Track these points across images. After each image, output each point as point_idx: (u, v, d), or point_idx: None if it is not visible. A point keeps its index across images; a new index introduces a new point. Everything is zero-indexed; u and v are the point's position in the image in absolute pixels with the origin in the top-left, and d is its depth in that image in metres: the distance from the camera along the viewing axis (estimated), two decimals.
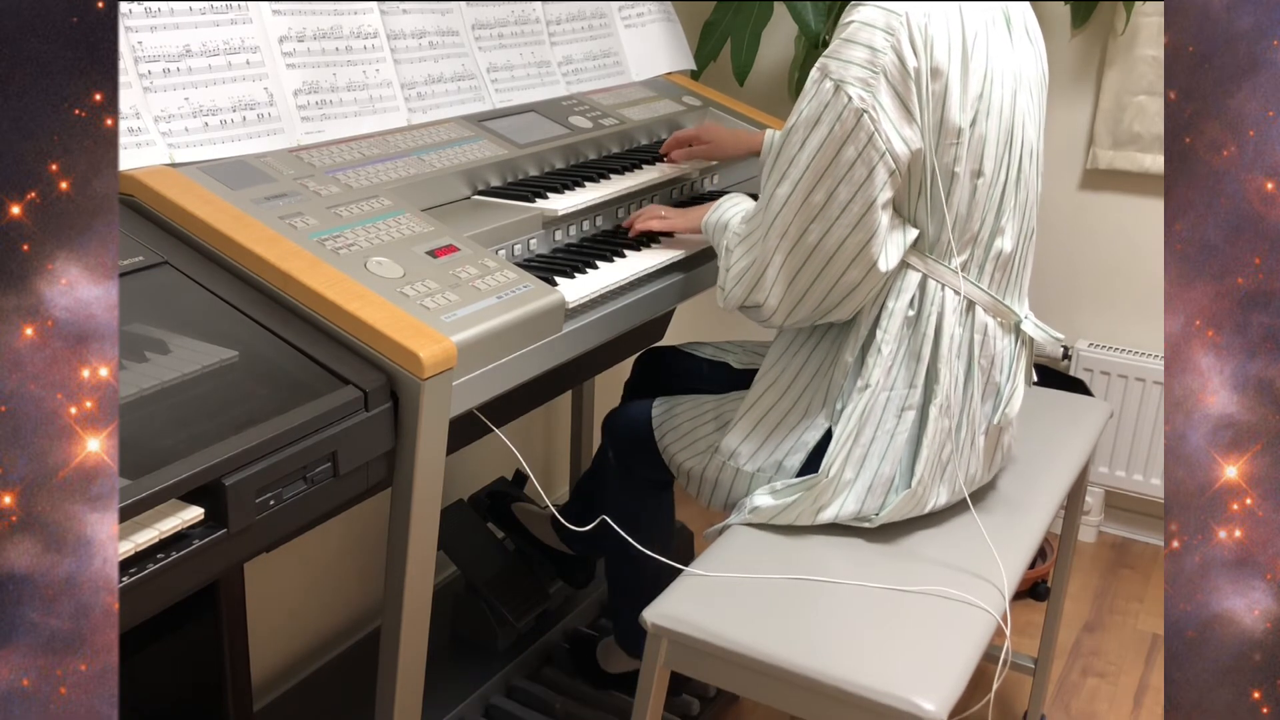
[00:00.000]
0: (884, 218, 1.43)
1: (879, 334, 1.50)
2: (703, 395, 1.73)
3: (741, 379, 1.78)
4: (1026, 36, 1.56)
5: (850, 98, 1.38)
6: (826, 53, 1.42)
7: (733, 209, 1.61)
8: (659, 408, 1.76)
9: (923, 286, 1.49)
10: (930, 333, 1.49)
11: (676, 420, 1.72)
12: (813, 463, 1.55)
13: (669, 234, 1.75)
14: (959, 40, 1.41)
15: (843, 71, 1.39)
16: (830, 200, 1.41)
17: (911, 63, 1.38)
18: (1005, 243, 1.53)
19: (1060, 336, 1.65)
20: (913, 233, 1.47)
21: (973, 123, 1.43)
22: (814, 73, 1.43)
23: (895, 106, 1.39)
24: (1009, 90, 1.48)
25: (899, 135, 1.39)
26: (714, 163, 2.03)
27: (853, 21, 1.41)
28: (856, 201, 1.41)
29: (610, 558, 1.90)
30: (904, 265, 1.48)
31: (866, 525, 1.54)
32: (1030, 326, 1.60)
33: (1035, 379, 1.68)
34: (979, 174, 1.46)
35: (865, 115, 1.38)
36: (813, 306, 1.49)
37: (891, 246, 1.45)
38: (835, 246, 1.43)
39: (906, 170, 1.42)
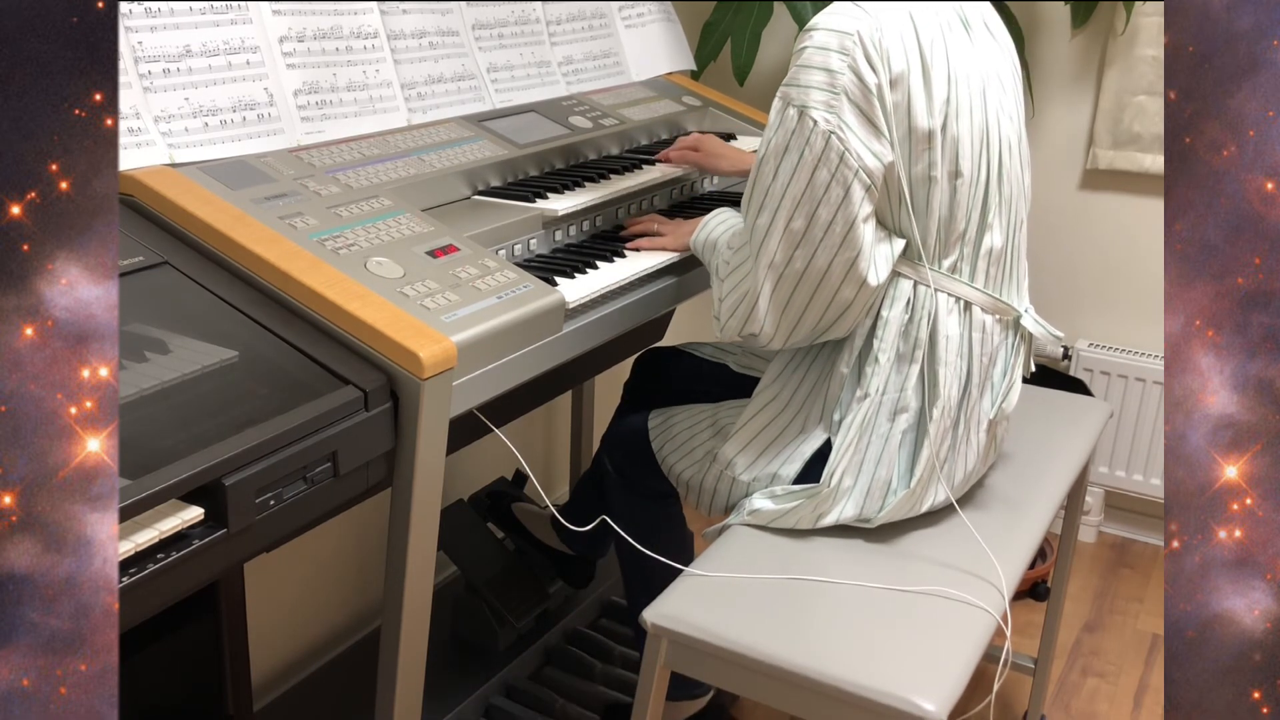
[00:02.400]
0: (867, 233, 1.43)
1: (875, 344, 1.50)
2: (699, 404, 1.73)
3: (740, 381, 1.78)
4: (988, 32, 1.56)
5: (815, 121, 1.39)
6: (785, 81, 1.43)
7: (720, 226, 1.62)
8: (655, 418, 1.76)
9: (914, 292, 1.49)
10: (924, 337, 1.50)
11: (673, 429, 1.72)
12: (808, 472, 1.55)
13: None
14: (915, 48, 1.42)
15: (804, 97, 1.40)
16: (812, 224, 1.42)
17: (870, 79, 1.38)
18: (995, 238, 1.53)
19: (1060, 334, 1.65)
20: (899, 243, 1.47)
21: (943, 127, 1.43)
22: (776, 102, 1.44)
23: (861, 123, 1.39)
24: (977, 89, 1.48)
25: (869, 150, 1.40)
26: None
27: (806, 47, 1.41)
28: (838, 221, 1.41)
29: (624, 564, 1.90)
30: (895, 274, 1.49)
31: (865, 525, 1.54)
32: (1030, 322, 1.60)
33: (1033, 369, 1.68)
34: (957, 175, 1.46)
35: (833, 136, 1.39)
36: (810, 327, 1.49)
37: (880, 260, 1.45)
38: (824, 268, 1.44)
39: (883, 183, 1.43)
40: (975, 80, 1.48)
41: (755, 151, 1.92)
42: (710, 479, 1.64)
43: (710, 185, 2.09)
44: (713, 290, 1.57)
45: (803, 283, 1.45)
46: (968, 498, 1.65)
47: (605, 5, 2.23)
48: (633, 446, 1.77)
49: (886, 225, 1.48)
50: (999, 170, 1.52)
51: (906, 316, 1.50)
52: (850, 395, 1.52)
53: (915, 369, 1.50)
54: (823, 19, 1.42)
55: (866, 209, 1.42)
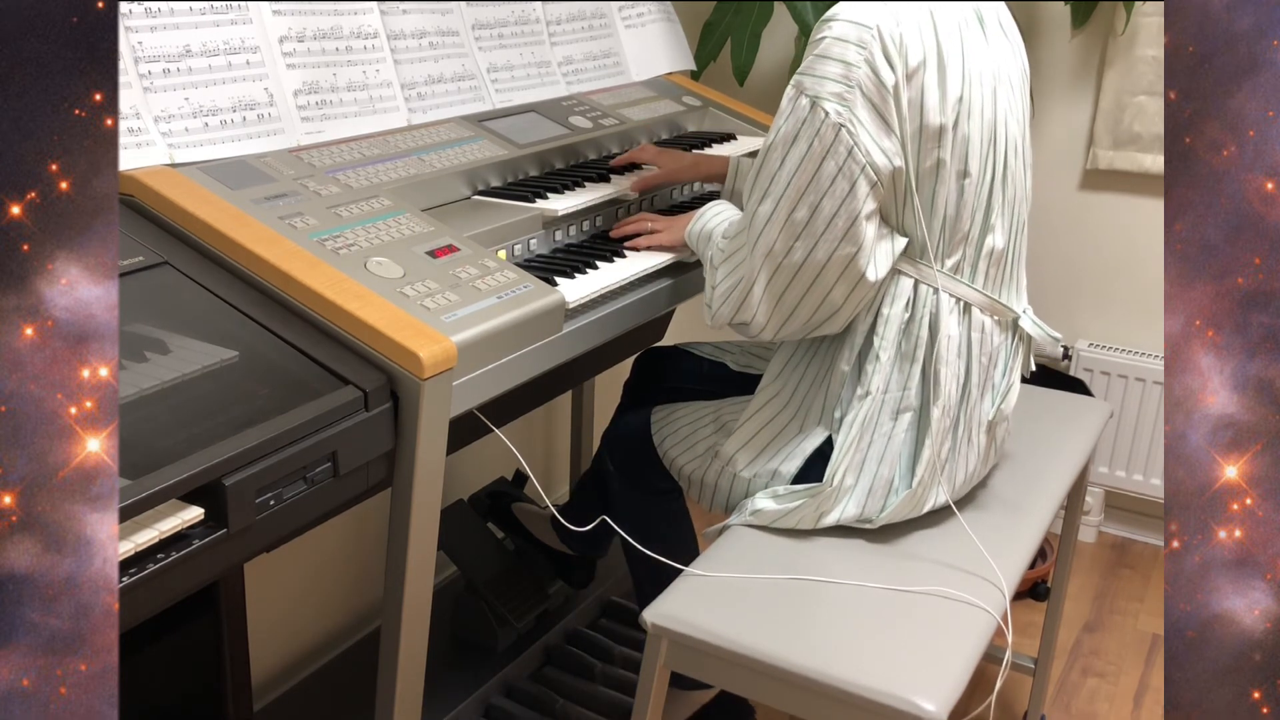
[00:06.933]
0: (869, 229, 1.43)
1: (876, 341, 1.50)
2: (701, 401, 1.73)
3: (739, 380, 1.78)
4: (1001, 32, 1.56)
5: (827, 113, 1.39)
6: (800, 70, 1.42)
7: (715, 218, 1.61)
8: (658, 414, 1.76)
9: (915, 291, 1.49)
10: (924, 335, 1.50)
11: (675, 424, 1.72)
12: (809, 469, 1.55)
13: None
14: (933, 45, 1.42)
15: (817, 87, 1.39)
16: (814, 216, 1.42)
17: (886, 75, 1.38)
18: (997, 240, 1.53)
19: (1058, 335, 1.65)
20: (901, 241, 1.47)
21: (954, 124, 1.43)
22: (789, 90, 1.43)
23: (873, 119, 1.39)
24: (988, 89, 1.48)
25: (878, 147, 1.40)
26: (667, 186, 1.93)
27: (825, 38, 1.41)
28: (841, 216, 1.41)
29: (632, 562, 1.88)
30: (896, 272, 1.49)
31: (867, 526, 1.54)
32: (1028, 323, 1.60)
33: (1033, 369, 1.68)
34: (965, 174, 1.46)
35: (843, 129, 1.38)
36: (803, 321, 1.49)
37: (880, 256, 1.45)
38: (822, 262, 1.43)
39: (889, 181, 1.43)
40: (988, 79, 1.48)
41: (730, 157, 1.89)
42: (711, 475, 1.64)
43: (711, 185, 2.09)
44: (705, 278, 1.57)
45: (800, 275, 1.45)
46: (968, 498, 1.65)
47: (605, 5, 2.23)
48: (634, 443, 1.77)
49: (890, 223, 1.47)
50: (1004, 171, 1.52)
51: (907, 315, 1.50)
52: (851, 393, 1.52)
53: (917, 368, 1.50)
54: (843, 9, 1.41)
55: (870, 206, 1.42)
